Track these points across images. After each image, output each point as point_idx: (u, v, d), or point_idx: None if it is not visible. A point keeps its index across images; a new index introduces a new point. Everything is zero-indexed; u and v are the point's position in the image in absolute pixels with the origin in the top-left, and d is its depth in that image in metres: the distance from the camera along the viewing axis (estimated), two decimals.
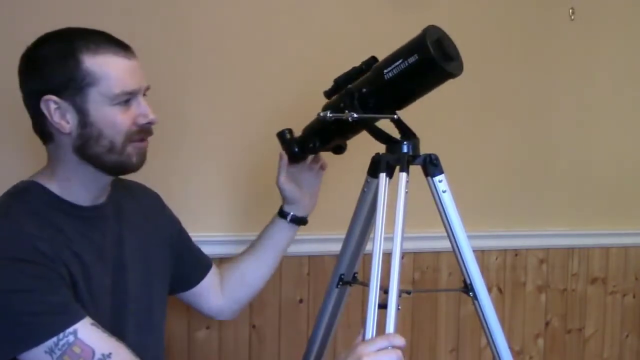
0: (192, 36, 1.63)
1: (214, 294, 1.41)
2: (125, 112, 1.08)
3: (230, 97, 1.68)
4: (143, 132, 1.11)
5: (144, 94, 1.13)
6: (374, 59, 1.28)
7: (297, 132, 1.40)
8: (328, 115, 1.25)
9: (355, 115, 1.22)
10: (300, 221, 1.45)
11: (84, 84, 1.04)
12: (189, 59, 1.63)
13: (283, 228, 1.44)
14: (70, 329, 0.98)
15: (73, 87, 1.04)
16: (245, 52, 1.68)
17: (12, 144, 1.45)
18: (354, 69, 1.31)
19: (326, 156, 1.44)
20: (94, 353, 0.99)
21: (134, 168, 1.13)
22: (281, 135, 1.41)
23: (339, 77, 1.32)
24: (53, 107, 1.05)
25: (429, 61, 1.15)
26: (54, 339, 0.97)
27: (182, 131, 1.63)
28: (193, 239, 1.42)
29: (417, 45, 1.17)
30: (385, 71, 1.21)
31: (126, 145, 1.09)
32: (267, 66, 1.70)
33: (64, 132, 1.07)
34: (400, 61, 1.19)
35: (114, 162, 1.10)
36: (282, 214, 1.44)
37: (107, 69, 1.05)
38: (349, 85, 1.28)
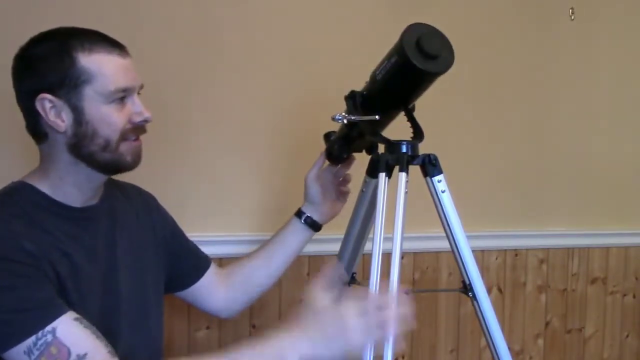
0: (195, 36, 1.62)
1: (214, 293, 1.41)
2: (120, 110, 1.09)
3: (234, 98, 1.67)
4: (137, 130, 1.12)
5: (138, 93, 1.13)
6: None
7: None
8: (336, 117, 1.27)
9: (352, 118, 1.24)
10: (314, 225, 1.43)
11: (80, 82, 1.05)
12: (195, 60, 1.62)
13: (297, 229, 1.43)
14: (49, 327, 0.97)
15: (68, 85, 1.05)
16: (244, 53, 1.68)
17: (8, 145, 1.45)
18: None
19: None
20: (69, 353, 0.97)
21: (129, 167, 1.13)
22: (326, 136, 1.44)
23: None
24: (48, 105, 1.06)
25: (406, 61, 1.14)
26: (33, 337, 0.96)
27: (187, 131, 1.62)
28: (194, 239, 1.42)
29: (396, 46, 1.18)
30: (376, 72, 1.22)
31: (120, 144, 1.10)
32: (267, 68, 1.69)
33: (59, 130, 1.07)
34: (386, 62, 1.20)
35: (107, 161, 1.10)
36: (298, 213, 1.44)
37: (102, 67, 1.06)
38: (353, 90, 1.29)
